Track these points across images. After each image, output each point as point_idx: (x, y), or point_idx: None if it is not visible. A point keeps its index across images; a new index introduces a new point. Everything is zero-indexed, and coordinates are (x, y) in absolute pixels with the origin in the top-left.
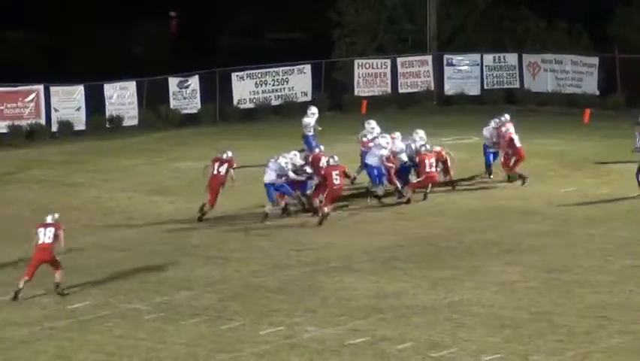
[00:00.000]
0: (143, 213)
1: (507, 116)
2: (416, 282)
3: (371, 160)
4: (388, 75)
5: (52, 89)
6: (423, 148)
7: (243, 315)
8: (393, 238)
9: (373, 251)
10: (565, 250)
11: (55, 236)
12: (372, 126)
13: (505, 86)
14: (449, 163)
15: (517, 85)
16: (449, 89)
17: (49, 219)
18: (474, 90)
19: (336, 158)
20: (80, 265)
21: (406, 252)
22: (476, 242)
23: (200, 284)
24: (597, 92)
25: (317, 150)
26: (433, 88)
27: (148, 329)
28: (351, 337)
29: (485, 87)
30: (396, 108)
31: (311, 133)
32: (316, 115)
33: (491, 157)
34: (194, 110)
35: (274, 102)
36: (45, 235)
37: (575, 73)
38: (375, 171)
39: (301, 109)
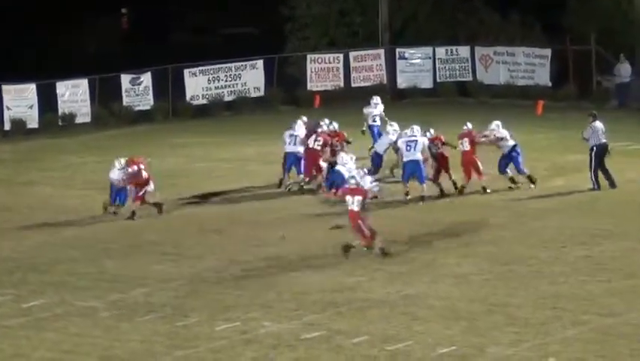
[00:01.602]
0: (97, 210)
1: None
2: (372, 275)
3: (417, 156)
4: (341, 69)
5: (5, 87)
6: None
7: (199, 311)
8: (348, 232)
9: (329, 245)
10: (520, 242)
11: (362, 203)
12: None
13: (458, 79)
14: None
15: (469, 78)
16: (402, 82)
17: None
18: (426, 83)
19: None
20: (34, 263)
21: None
22: (432, 235)
23: (155, 281)
24: (549, 84)
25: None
26: (385, 82)
27: (104, 326)
28: (307, 331)
29: (438, 80)
30: (349, 102)
31: (375, 123)
32: (379, 105)
33: (519, 158)
34: (147, 107)
35: (227, 98)
36: (353, 203)
37: (528, 65)
38: (422, 167)
39: (254, 104)
